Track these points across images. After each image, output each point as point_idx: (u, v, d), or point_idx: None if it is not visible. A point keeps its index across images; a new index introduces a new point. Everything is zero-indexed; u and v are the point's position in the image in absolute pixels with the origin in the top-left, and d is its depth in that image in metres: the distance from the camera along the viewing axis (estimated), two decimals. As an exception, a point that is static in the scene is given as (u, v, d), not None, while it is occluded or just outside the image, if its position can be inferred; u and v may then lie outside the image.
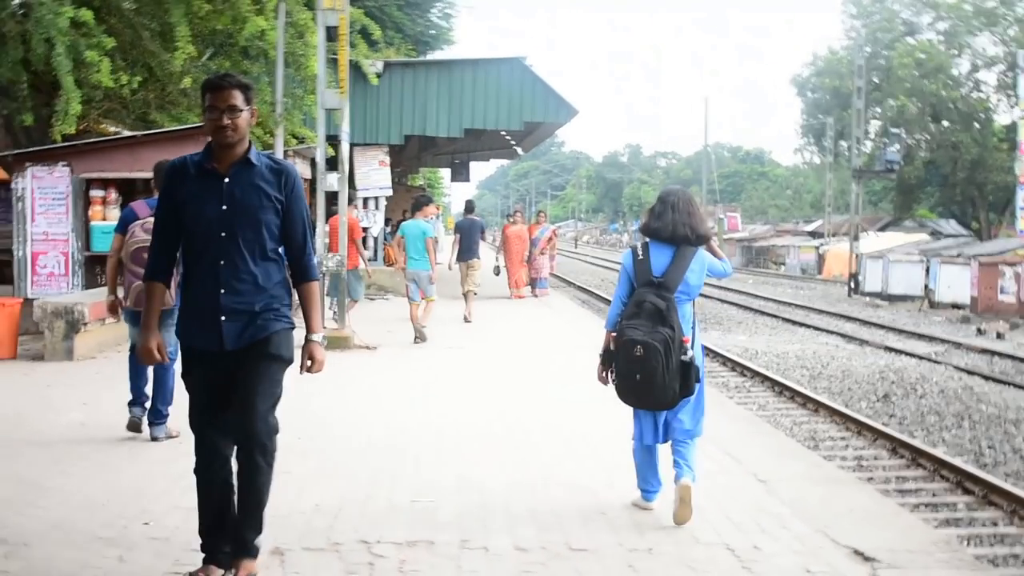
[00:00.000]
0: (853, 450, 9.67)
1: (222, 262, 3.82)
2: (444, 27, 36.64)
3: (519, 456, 6.67)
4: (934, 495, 8.10)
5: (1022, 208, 38.00)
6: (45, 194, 11.86)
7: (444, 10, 36.67)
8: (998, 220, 50.05)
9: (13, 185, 12.05)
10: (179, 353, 4.13)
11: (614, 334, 5.23)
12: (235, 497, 3.99)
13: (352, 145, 16.35)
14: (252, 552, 4.01)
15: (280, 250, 4.01)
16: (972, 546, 6.67)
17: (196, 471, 3.98)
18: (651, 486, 5.40)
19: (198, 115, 15.70)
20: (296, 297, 4.14)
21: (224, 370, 3.90)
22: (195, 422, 3.98)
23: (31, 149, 12.36)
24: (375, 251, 23.81)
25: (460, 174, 33.44)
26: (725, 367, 15.20)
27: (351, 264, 13.83)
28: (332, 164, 13.39)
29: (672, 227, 5.20)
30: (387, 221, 25.06)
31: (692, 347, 5.18)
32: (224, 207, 3.82)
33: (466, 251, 17.29)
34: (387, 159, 22.50)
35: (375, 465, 6.30)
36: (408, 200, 26.97)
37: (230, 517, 4.00)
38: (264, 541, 4.63)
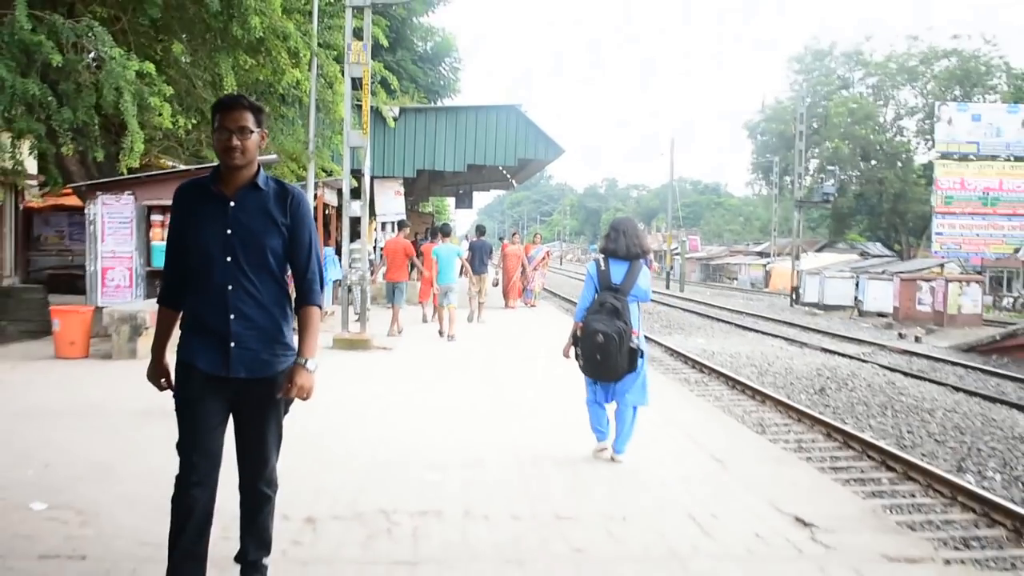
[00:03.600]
0: (795, 434, 9.69)
1: (230, 287, 3.19)
2: (451, 79, 36.84)
3: (515, 437, 6.68)
4: (862, 472, 8.12)
5: (937, 233, 38.24)
6: (113, 218, 11.90)
7: (452, 65, 36.93)
8: (916, 243, 50.25)
9: (86, 211, 12.07)
10: None
11: (581, 324, 5.89)
12: (210, 530, 3.35)
13: (372, 177, 16.40)
14: (262, 571, 3.48)
15: (289, 277, 3.38)
16: (894, 514, 6.69)
17: (174, 498, 3.26)
18: (601, 428, 6.10)
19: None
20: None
21: (223, 394, 3.25)
22: (184, 446, 3.27)
23: (101, 180, 12.37)
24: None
25: (464, 202, 33.54)
26: (687, 365, 15.21)
27: (402, 278, 14.27)
28: (356, 193, 13.45)
29: (625, 248, 5.95)
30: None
31: (638, 337, 5.87)
32: (229, 231, 3.20)
33: (478, 266, 17.60)
34: (402, 189, 22.56)
35: (392, 446, 6.30)
36: (420, 224, 27.14)
37: (204, 549, 3.34)
38: (296, 510, 4.66)
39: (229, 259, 3.19)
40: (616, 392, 5.98)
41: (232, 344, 3.19)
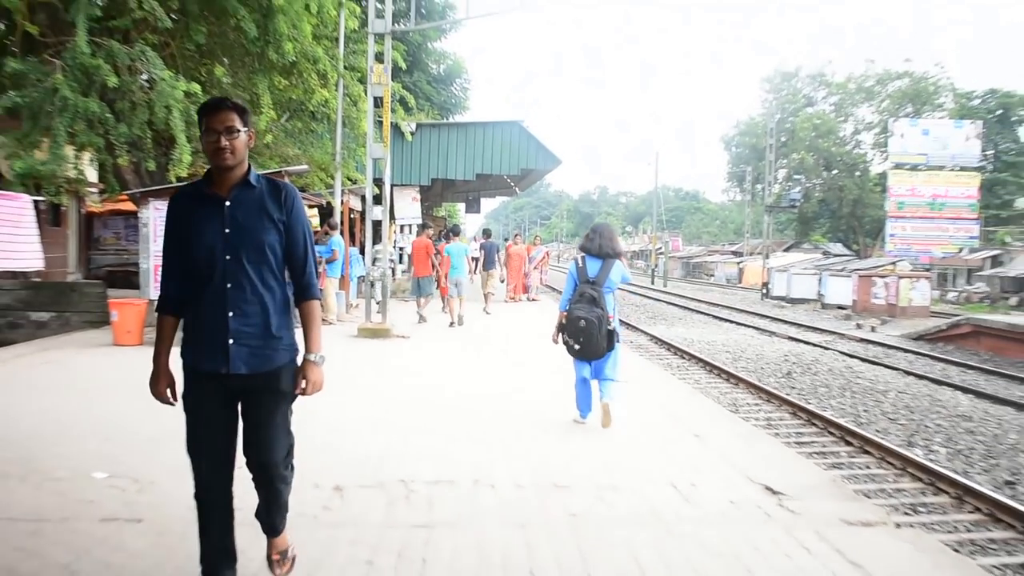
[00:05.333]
0: (764, 413, 9.70)
1: (229, 285, 2.89)
2: (462, 97, 36.88)
3: (517, 413, 6.69)
4: (824, 446, 8.14)
5: (890, 235, 38.09)
6: (164, 221, 11.92)
7: (462, 85, 36.99)
8: (872, 244, 50.03)
9: (140, 215, 12.05)
10: None
11: (565, 313, 6.17)
12: (233, 522, 3.13)
13: (392, 185, 16.39)
14: (280, 530, 3.30)
15: (285, 272, 3.06)
16: (852, 483, 6.71)
17: (195, 496, 3.06)
18: (584, 408, 6.40)
19: (277, 163, 15.76)
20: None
21: (227, 393, 2.97)
22: (192, 448, 3.02)
23: (153, 188, 12.36)
24: (409, 264, 23.80)
25: (472, 207, 33.56)
26: (669, 352, 15.21)
27: (426, 272, 14.55)
28: (377, 199, 13.44)
29: (599, 247, 6.22)
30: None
31: (613, 321, 6.12)
32: (227, 230, 2.90)
33: (488, 263, 17.99)
34: (418, 196, 22.55)
35: (409, 423, 6.31)
36: (434, 227, 27.17)
37: (231, 542, 3.14)
38: (326, 480, 4.68)
39: (228, 257, 2.90)
40: (598, 368, 6.27)
41: (231, 341, 2.90)
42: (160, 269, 3.08)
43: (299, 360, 3.06)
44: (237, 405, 3.02)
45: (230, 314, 2.90)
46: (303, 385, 3.00)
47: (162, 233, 11.90)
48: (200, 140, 2.96)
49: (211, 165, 2.96)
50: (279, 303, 3.00)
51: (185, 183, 3.34)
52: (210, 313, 2.92)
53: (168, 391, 3.07)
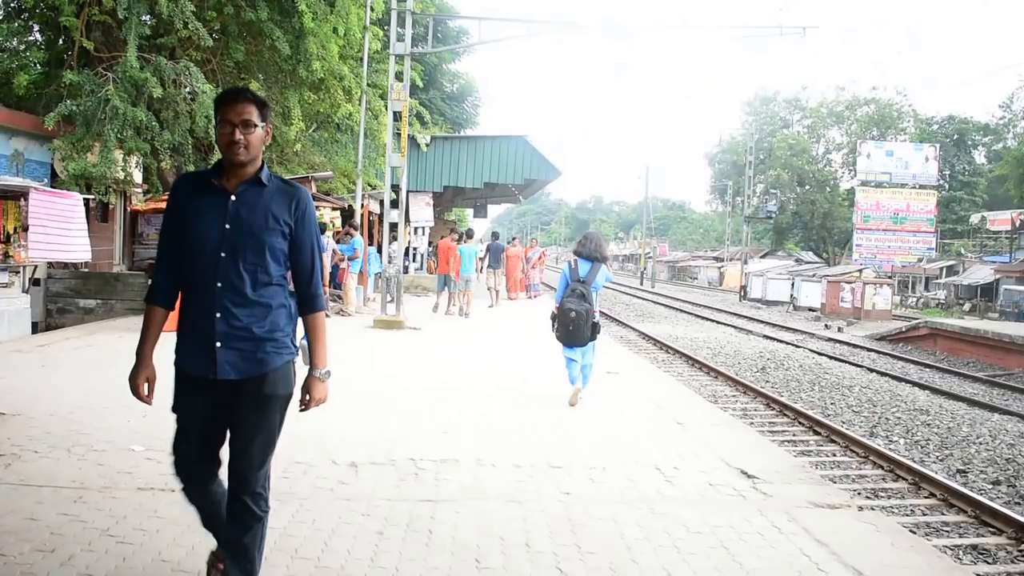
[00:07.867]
0: (741, 404, 9.66)
1: (220, 284, 2.43)
2: (472, 113, 36.98)
3: (514, 401, 6.64)
4: (794, 435, 8.10)
5: (857, 245, 38.08)
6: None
7: (473, 103, 37.05)
8: (840, 253, 49.87)
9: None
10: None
11: (559, 306, 6.57)
12: (227, 506, 2.61)
13: (408, 191, 16.40)
14: None
15: (286, 276, 2.57)
16: (819, 469, 6.66)
17: (183, 491, 2.68)
18: (573, 378, 6.61)
19: (305, 169, 15.73)
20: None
21: (216, 398, 2.51)
22: (177, 448, 2.65)
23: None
24: (421, 262, 23.78)
25: (480, 213, 33.43)
26: (655, 347, 15.16)
27: (448, 270, 14.75)
28: (394, 204, 13.41)
29: (590, 252, 6.61)
30: (429, 243, 25.04)
31: (597, 315, 6.54)
32: (227, 226, 2.43)
33: (493, 262, 17.99)
34: (431, 201, 22.49)
35: (418, 407, 6.27)
36: (444, 229, 27.17)
37: (223, 509, 2.66)
38: (343, 457, 4.63)
39: (223, 255, 2.43)
40: (581, 355, 6.62)
41: (218, 344, 2.45)
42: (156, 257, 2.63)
43: (297, 363, 2.61)
44: (226, 411, 2.54)
45: (217, 315, 2.45)
46: (306, 400, 2.58)
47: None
48: (214, 131, 2.54)
49: (223, 158, 2.51)
50: (274, 311, 2.51)
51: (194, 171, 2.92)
52: (197, 312, 2.50)
53: (146, 387, 2.62)
